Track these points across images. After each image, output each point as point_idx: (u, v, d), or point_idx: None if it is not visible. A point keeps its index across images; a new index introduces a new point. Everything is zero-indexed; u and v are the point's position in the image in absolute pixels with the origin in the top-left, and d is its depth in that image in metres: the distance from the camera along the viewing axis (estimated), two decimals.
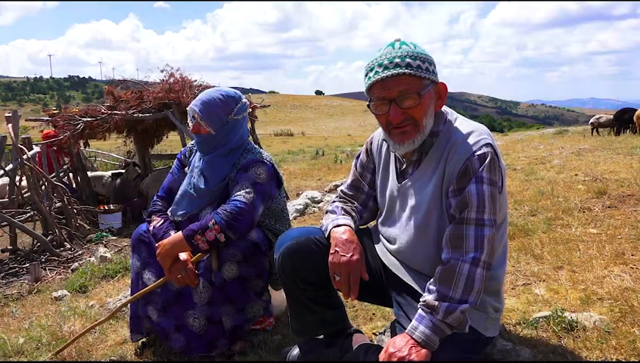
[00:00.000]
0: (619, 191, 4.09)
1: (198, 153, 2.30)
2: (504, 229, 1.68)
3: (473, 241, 1.48)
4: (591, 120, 15.88)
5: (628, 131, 13.58)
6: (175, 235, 2.04)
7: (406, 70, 1.50)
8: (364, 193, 1.91)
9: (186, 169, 2.36)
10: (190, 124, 2.21)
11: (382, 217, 1.83)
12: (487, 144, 1.52)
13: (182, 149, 2.46)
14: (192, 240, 1.98)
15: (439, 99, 1.59)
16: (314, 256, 1.76)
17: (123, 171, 8.47)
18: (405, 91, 1.52)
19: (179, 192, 2.27)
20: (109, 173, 8.48)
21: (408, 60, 1.52)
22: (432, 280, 1.54)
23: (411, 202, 1.66)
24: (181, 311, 2.12)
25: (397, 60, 1.52)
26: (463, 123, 1.61)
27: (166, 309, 2.15)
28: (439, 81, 1.58)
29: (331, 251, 1.68)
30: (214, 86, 7.70)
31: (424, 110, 1.55)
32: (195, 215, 2.19)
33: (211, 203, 2.19)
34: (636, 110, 13.15)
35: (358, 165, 1.93)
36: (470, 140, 1.54)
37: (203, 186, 2.19)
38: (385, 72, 1.52)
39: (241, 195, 2.05)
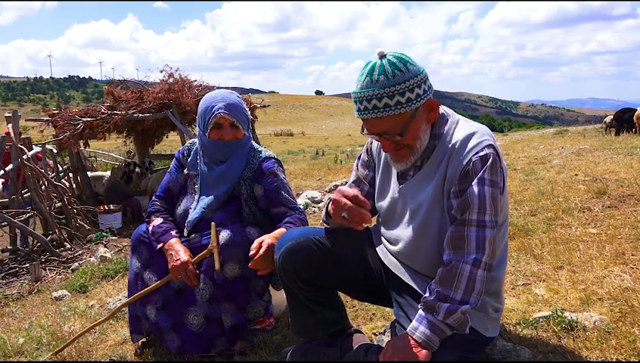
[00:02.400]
0: (619, 191, 4.08)
1: (204, 161, 2.24)
2: (504, 230, 1.68)
3: (474, 242, 1.48)
4: (606, 119, 15.68)
5: (627, 131, 13.55)
6: (278, 231, 2.03)
7: (384, 113, 1.48)
8: (365, 191, 1.90)
9: (186, 170, 2.33)
10: (207, 131, 2.14)
11: (383, 218, 1.83)
12: (489, 146, 1.52)
13: (180, 148, 2.44)
14: None
15: (430, 112, 1.57)
16: (314, 257, 1.77)
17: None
18: (388, 130, 1.54)
19: (194, 214, 2.20)
20: (109, 173, 8.48)
21: (385, 100, 1.47)
22: (433, 280, 1.53)
23: (413, 203, 1.66)
24: (182, 308, 2.12)
25: (374, 101, 1.47)
26: (464, 125, 1.61)
27: (166, 307, 2.15)
28: (425, 99, 1.52)
29: (330, 205, 1.69)
30: (214, 86, 7.71)
31: (414, 136, 1.55)
32: (205, 219, 2.19)
33: (221, 206, 2.19)
34: (636, 110, 13.13)
35: (359, 164, 1.93)
36: (472, 141, 1.53)
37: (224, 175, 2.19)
38: (365, 114, 1.51)
39: (298, 205, 2.19)
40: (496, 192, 1.51)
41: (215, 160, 2.22)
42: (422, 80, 1.51)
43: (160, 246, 2.15)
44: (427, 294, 1.53)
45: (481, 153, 1.50)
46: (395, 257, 1.76)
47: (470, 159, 1.50)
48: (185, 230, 2.21)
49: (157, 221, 2.22)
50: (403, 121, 1.51)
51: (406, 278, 1.69)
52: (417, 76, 1.49)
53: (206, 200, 2.20)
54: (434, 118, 1.59)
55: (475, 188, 1.49)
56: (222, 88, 7.43)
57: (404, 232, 1.69)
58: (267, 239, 1.93)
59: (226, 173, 2.19)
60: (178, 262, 2.04)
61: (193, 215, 2.20)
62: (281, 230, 2.03)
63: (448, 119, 1.62)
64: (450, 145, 1.56)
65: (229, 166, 2.20)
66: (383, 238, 1.84)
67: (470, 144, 1.52)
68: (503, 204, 1.59)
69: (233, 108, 2.14)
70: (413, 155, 1.59)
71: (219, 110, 2.11)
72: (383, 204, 1.81)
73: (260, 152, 2.28)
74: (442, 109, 1.64)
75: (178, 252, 2.08)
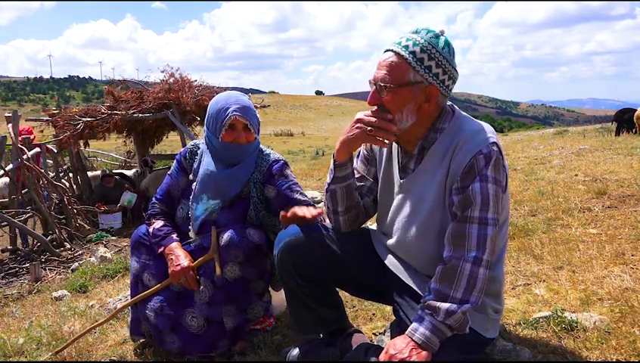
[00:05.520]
0: (619, 191, 4.08)
1: (210, 163, 2.20)
2: (505, 229, 1.67)
3: (475, 240, 1.48)
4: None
5: (627, 131, 13.49)
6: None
7: (406, 55, 1.51)
8: (367, 186, 1.88)
9: (191, 176, 2.28)
10: (220, 133, 2.11)
11: (384, 213, 1.81)
12: (493, 143, 1.51)
13: (181, 150, 2.40)
14: None
15: (426, 102, 1.56)
16: (313, 252, 1.77)
17: (125, 171, 8.45)
18: (384, 77, 1.54)
19: (198, 216, 2.17)
20: (99, 172, 8.53)
21: (416, 48, 1.51)
22: (433, 279, 1.53)
23: (414, 198, 1.65)
24: (179, 310, 2.11)
25: (411, 43, 1.52)
26: (469, 122, 1.60)
27: (163, 309, 2.14)
28: (434, 84, 1.54)
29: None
30: (214, 86, 7.69)
31: (398, 103, 1.55)
32: (209, 220, 2.17)
33: (227, 207, 2.17)
34: (636, 110, 13.11)
35: (360, 161, 1.90)
36: (477, 138, 1.53)
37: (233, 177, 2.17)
38: (397, 46, 1.54)
39: (311, 201, 2.14)
40: (499, 190, 1.51)
41: (225, 163, 2.19)
42: (449, 72, 1.55)
43: (160, 250, 2.14)
44: (426, 294, 1.53)
45: (485, 151, 1.50)
46: (395, 255, 1.75)
47: (475, 155, 1.50)
48: (192, 232, 2.19)
49: (158, 224, 2.21)
50: (402, 79, 1.52)
51: (405, 278, 1.68)
52: (450, 65, 1.54)
53: (211, 202, 2.15)
54: (427, 110, 1.57)
55: (478, 185, 1.48)
56: (222, 88, 7.45)
57: (406, 228, 1.68)
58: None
59: (236, 176, 2.17)
60: (179, 267, 2.04)
61: (197, 216, 2.16)
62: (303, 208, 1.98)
63: (452, 115, 1.62)
64: (454, 140, 1.56)
65: (240, 169, 2.17)
66: (383, 235, 1.83)
67: (475, 141, 1.52)
68: (504, 203, 1.59)
69: (247, 110, 2.13)
70: None
71: (235, 112, 2.09)
72: (385, 199, 1.80)
73: (268, 155, 2.27)
74: (449, 106, 1.64)
75: (179, 257, 2.07)
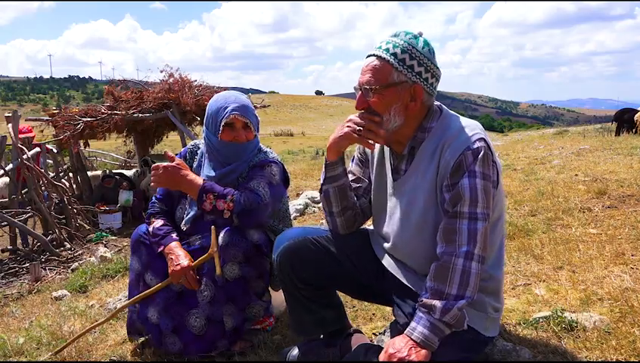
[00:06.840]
0: (619, 191, 4.08)
1: (209, 162, 2.21)
2: (500, 227, 1.67)
3: (466, 235, 1.48)
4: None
5: (627, 131, 13.46)
6: (196, 178, 2.05)
7: (388, 58, 1.54)
8: (363, 188, 1.89)
9: None
10: (218, 132, 2.12)
11: (379, 215, 1.82)
12: (480, 139, 1.53)
13: (181, 151, 2.42)
14: (204, 194, 2.00)
15: (412, 101, 1.58)
16: (312, 256, 1.77)
17: (125, 171, 8.46)
18: (369, 80, 1.56)
19: (191, 211, 2.21)
20: (99, 172, 8.53)
21: (397, 50, 1.54)
22: (428, 277, 1.53)
23: (408, 199, 1.66)
24: (183, 310, 2.11)
25: (390, 45, 1.55)
26: (456, 120, 1.62)
27: (167, 310, 2.14)
28: (418, 83, 1.56)
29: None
30: (214, 86, 7.69)
31: (385, 104, 1.57)
32: (200, 216, 2.19)
33: None
34: (636, 110, 13.10)
35: (354, 163, 1.92)
36: (464, 135, 1.54)
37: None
38: (378, 49, 1.56)
39: (262, 192, 2.05)
40: (488, 185, 1.51)
41: (223, 162, 2.19)
42: (431, 70, 1.57)
43: (160, 249, 2.14)
44: (423, 292, 1.53)
45: (473, 147, 1.51)
46: (392, 255, 1.76)
47: (462, 152, 1.51)
48: (183, 226, 2.21)
49: (158, 223, 2.21)
50: (387, 80, 1.55)
51: (403, 279, 1.69)
52: (431, 63, 1.56)
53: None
54: (413, 109, 1.59)
55: (466, 181, 1.49)
56: (222, 88, 7.45)
57: (401, 229, 1.69)
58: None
59: (232, 172, 2.18)
60: (179, 267, 2.04)
61: (190, 211, 2.19)
62: (199, 179, 2.05)
63: (440, 114, 1.64)
64: (442, 138, 1.57)
65: (238, 166, 2.18)
66: (379, 236, 1.84)
67: (462, 138, 1.53)
68: (497, 200, 1.59)
69: (246, 109, 2.14)
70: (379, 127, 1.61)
71: (234, 111, 2.10)
72: (379, 201, 1.81)
73: (266, 153, 2.27)
74: (437, 105, 1.65)
75: (179, 256, 2.07)
